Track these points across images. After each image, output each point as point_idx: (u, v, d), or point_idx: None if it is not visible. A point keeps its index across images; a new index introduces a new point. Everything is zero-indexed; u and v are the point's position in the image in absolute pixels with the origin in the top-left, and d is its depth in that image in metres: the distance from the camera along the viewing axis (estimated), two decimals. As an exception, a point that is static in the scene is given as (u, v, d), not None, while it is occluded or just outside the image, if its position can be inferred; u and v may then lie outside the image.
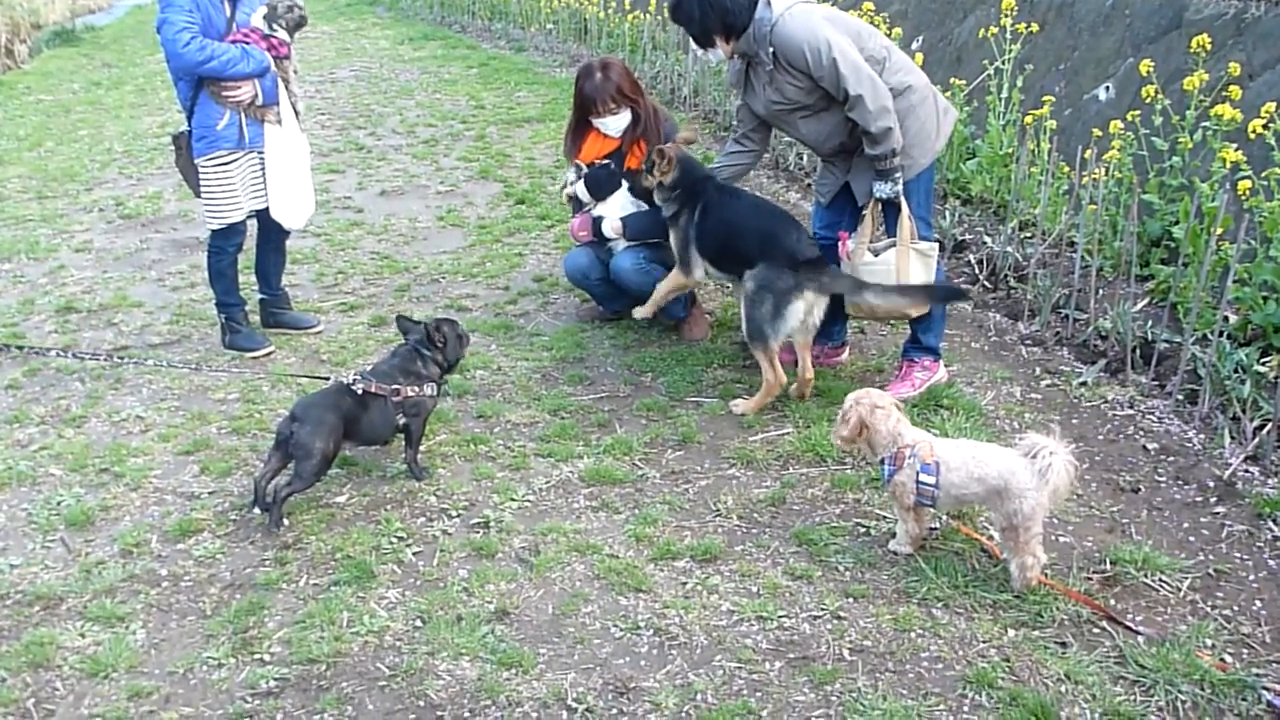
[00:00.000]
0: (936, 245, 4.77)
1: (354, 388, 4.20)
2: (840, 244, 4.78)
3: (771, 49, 4.46)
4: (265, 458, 4.19)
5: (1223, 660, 3.22)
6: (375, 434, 4.30)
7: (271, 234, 5.73)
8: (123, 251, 7.39)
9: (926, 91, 4.66)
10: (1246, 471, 4.20)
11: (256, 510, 4.09)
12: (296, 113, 5.48)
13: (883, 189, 4.56)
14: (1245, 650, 3.29)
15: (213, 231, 5.46)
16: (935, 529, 3.86)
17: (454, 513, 4.14)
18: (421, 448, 4.53)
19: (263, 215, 5.53)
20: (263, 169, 5.39)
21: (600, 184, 5.37)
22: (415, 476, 4.35)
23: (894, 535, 3.81)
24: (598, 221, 5.42)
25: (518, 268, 6.81)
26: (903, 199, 4.57)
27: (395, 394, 4.24)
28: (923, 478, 3.54)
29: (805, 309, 4.67)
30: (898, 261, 4.60)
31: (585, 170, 5.47)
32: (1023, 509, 3.40)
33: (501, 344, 5.65)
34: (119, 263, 7.17)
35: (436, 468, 4.43)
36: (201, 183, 5.30)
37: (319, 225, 7.60)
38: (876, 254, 4.68)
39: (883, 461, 3.66)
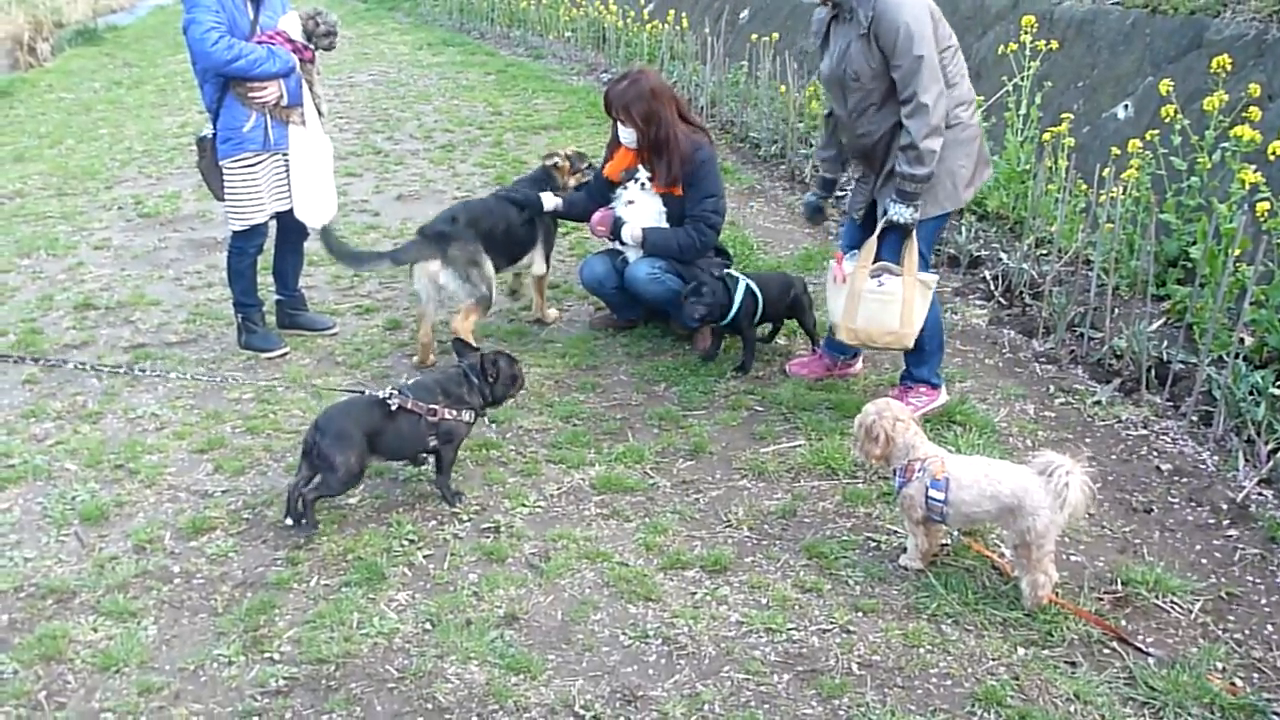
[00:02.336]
0: (937, 276, 4.67)
1: (389, 402, 4.05)
2: (835, 264, 4.68)
3: (872, 13, 4.28)
4: (298, 467, 4.07)
5: (1233, 684, 3.21)
6: (403, 450, 4.17)
7: (290, 235, 5.76)
8: (141, 250, 7.43)
9: (978, 135, 4.56)
10: (1260, 495, 4.19)
11: (288, 520, 4.02)
12: (320, 113, 5.51)
13: (901, 213, 4.42)
14: (1256, 674, 3.28)
15: (234, 232, 5.49)
16: (946, 545, 3.86)
17: (465, 517, 4.15)
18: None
19: (283, 216, 5.56)
20: (287, 170, 5.42)
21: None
22: (448, 502, 4.21)
23: (905, 550, 3.80)
24: (618, 223, 5.42)
25: (533, 274, 6.82)
26: (913, 229, 4.46)
27: (431, 414, 4.10)
28: (932, 493, 3.54)
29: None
30: (905, 292, 4.50)
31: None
32: (1036, 527, 3.39)
33: (514, 350, 5.65)
34: (137, 261, 7.22)
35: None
36: (226, 184, 5.33)
37: (336, 228, 7.61)
38: (880, 282, 4.54)
39: (895, 473, 3.67)
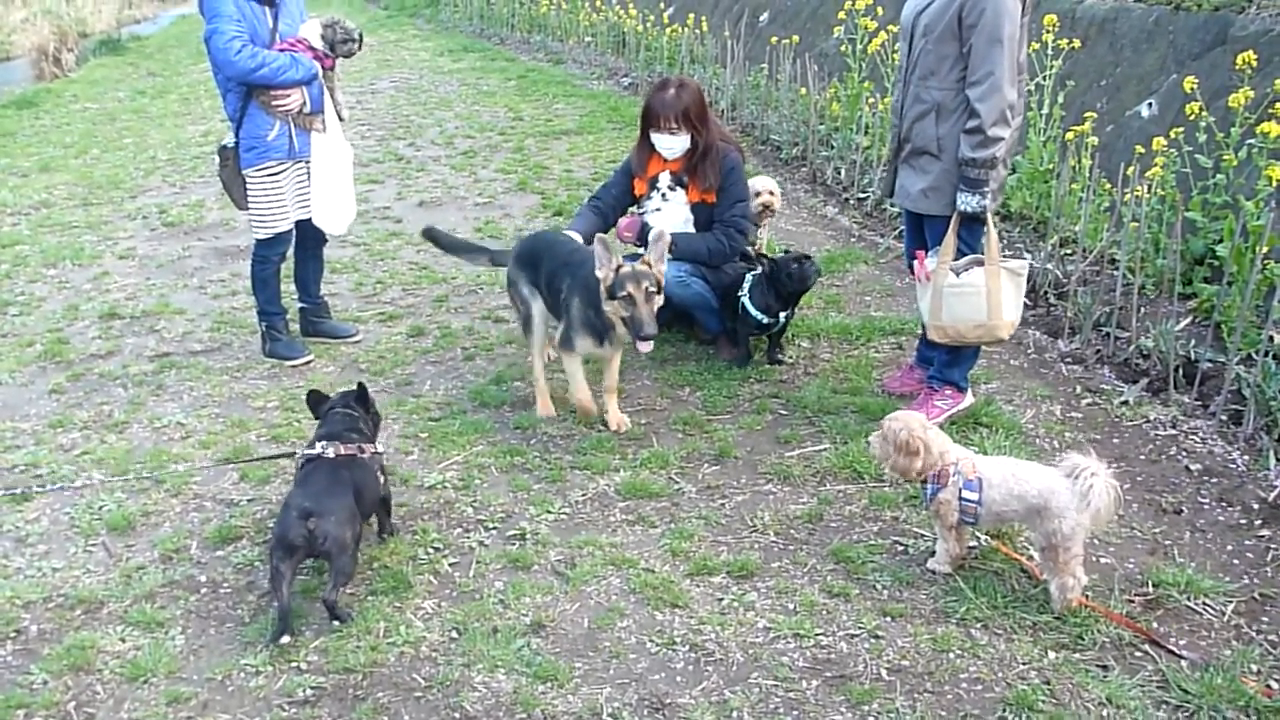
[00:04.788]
0: (1027, 263, 4.54)
1: (327, 453, 3.73)
2: (917, 264, 4.57)
3: None
4: (274, 574, 3.49)
5: (1269, 686, 3.17)
6: (373, 502, 3.87)
7: (310, 242, 5.77)
8: (165, 259, 7.47)
9: (1009, 158, 4.45)
10: (1292, 494, 4.14)
11: (285, 639, 3.47)
12: (341, 118, 5.52)
13: (968, 201, 4.30)
14: (1291, 677, 3.24)
15: (258, 240, 5.50)
16: (974, 548, 3.83)
17: (490, 524, 4.15)
18: (459, 458, 4.57)
19: (302, 224, 5.57)
20: (309, 177, 5.44)
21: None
22: (393, 533, 4.05)
23: (933, 554, 3.78)
24: (646, 228, 5.40)
25: (555, 279, 6.82)
26: (989, 215, 4.33)
27: (361, 451, 3.82)
28: (966, 494, 3.52)
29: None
30: (987, 282, 4.34)
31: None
32: (1062, 529, 3.37)
33: (538, 355, 5.66)
34: (161, 270, 7.26)
35: (473, 479, 4.44)
36: (249, 193, 5.35)
37: (358, 235, 7.66)
38: (958, 274, 4.41)
39: (926, 480, 3.64)
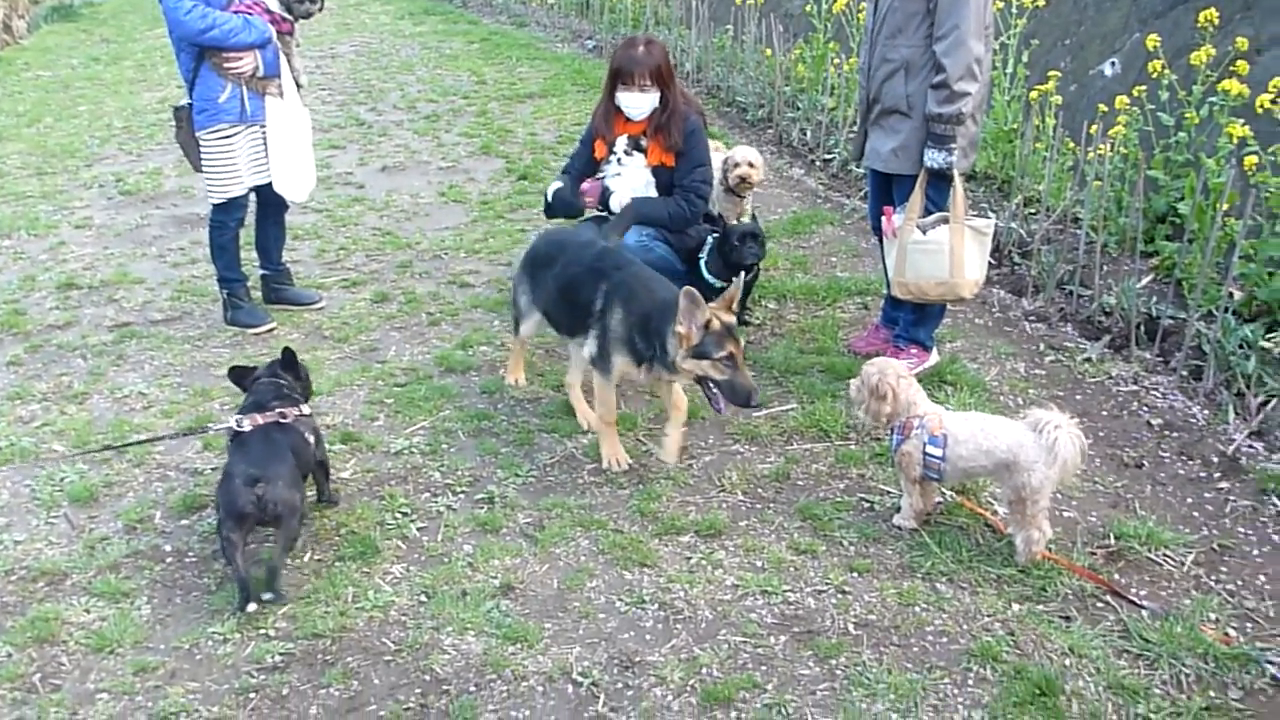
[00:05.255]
0: (993, 223, 4.53)
1: (243, 425, 3.65)
2: (885, 220, 4.57)
3: None
4: (226, 544, 3.45)
5: (1227, 634, 3.23)
6: (306, 467, 3.77)
7: (271, 208, 5.71)
8: (123, 228, 7.36)
9: (979, 114, 4.43)
10: (1251, 447, 4.20)
11: (251, 607, 3.44)
12: (299, 85, 5.45)
13: (935, 158, 4.30)
14: (1249, 624, 3.30)
15: (214, 206, 5.43)
16: (940, 503, 3.86)
17: (458, 488, 4.14)
18: (426, 423, 4.54)
19: (263, 190, 5.50)
20: (264, 143, 5.36)
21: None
22: (334, 502, 4.02)
23: (898, 510, 3.81)
24: (606, 192, 5.35)
25: (520, 244, 6.77)
26: (955, 172, 4.33)
27: (283, 417, 3.72)
28: (929, 450, 3.55)
29: None
30: (951, 240, 4.35)
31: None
32: (1030, 482, 3.40)
33: (505, 320, 5.63)
34: (119, 239, 7.15)
35: (440, 444, 4.43)
36: (203, 156, 5.28)
37: (320, 201, 7.57)
38: (924, 231, 4.41)
39: (892, 430, 3.67)
